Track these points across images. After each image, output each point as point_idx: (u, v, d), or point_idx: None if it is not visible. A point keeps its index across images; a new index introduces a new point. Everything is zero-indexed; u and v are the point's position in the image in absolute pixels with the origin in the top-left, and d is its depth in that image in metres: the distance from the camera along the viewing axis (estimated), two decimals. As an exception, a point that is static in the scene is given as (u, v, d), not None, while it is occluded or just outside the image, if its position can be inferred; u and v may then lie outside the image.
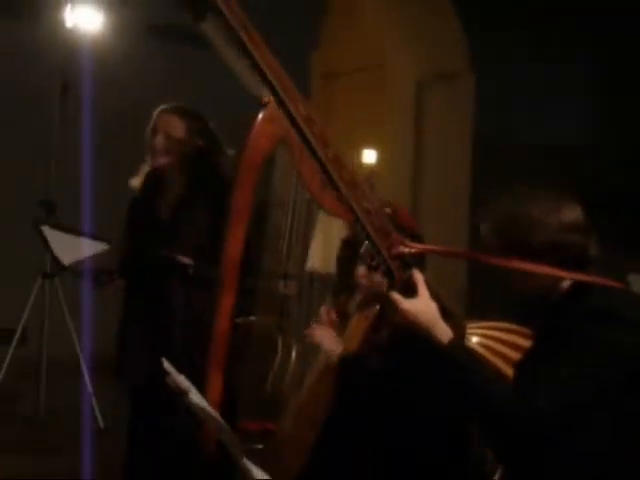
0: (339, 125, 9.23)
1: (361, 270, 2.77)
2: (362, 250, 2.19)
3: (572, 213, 2.08)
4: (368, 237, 2.13)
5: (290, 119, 2.04)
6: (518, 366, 2.21)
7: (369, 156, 9.78)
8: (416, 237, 2.74)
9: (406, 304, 2.09)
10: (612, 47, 8.17)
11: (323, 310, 2.87)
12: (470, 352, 2.15)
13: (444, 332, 2.07)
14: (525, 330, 2.30)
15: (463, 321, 2.60)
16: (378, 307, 2.76)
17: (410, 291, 2.12)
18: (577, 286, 2.07)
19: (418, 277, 2.12)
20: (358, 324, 2.78)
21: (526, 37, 7.98)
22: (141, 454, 3.43)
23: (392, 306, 2.12)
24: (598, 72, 8.37)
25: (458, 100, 8.37)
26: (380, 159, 9.65)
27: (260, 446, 2.56)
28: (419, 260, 2.69)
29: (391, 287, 2.14)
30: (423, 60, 8.58)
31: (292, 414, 2.73)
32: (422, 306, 2.09)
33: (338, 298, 2.95)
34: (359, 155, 9.76)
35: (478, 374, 2.03)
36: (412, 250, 2.17)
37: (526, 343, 2.25)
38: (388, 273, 2.15)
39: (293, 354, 2.98)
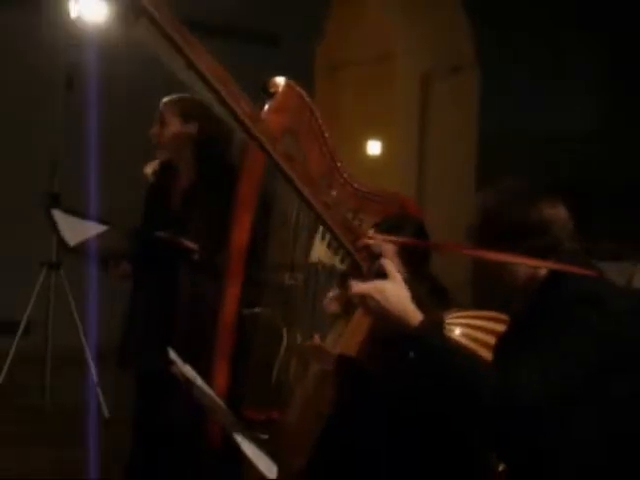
0: (345, 117, 9.22)
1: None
2: None
3: (549, 205, 2.08)
4: (330, 231, 2.10)
5: (235, 118, 2.01)
6: (496, 350, 2.20)
7: (374, 147, 9.78)
8: (422, 228, 2.75)
9: (373, 286, 1.99)
10: (616, 45, 8.17)
11: (328, 299, 2.87)
12: (443, 335, 2.10)
13: (415, 315, 1.99)
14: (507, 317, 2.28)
15: (440, 313, 2.57)
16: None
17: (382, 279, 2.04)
18: (554, 274, 2.06)
19: (387, 264, 2.05)
20: (360, 321, 2.77)
21: (531, 31, 7.99)
22: (147, 445, 3.43)
23: (358, 298, 2.02)
24: (602, 68, 8.37)
25: (463, 93, 8.36)
26: (385, 151, 9.64)
27: (265, 436, 2.56)
28: (423, 252, 2.70)
29: (360, 278, 2.06)
30: (429, 53, 8.57)
31: (297, 405, 2.73)
32: (391, 287, 2.00)
33: (344, 287, 2.95)
34: (364, 146, 9.76)
35: (455, 356, 1.97)
36: (377, 241, 2.15)
37: None
38: (355, 265, 2.12)
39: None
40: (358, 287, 2.01)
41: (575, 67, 8.31)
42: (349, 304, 2.82)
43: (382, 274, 2.03)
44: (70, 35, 5.74)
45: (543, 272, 2.09)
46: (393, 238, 2.32)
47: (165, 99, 3.41)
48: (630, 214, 7.06)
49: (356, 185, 2.61)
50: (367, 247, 2.13)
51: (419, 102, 8.73)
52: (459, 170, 8.39)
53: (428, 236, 2.72)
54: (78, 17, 5.71)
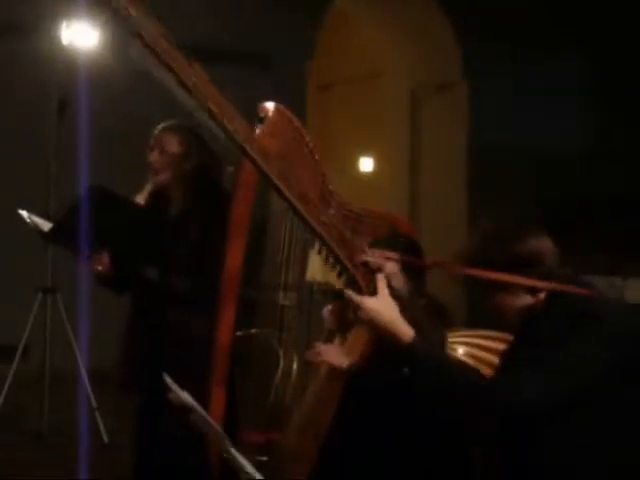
0: (336, 134, 9.27)
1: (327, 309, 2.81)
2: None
3: (536, 239, 2.20)
4: (327, 248, 2.16)
5: (228, 137, 2.04)
6: (500, 365, 2.27)
7: (366, 164, 9.82)
8: (415, 246, 2.77)
9: (368, 301, 2.16)
10: (609, 58, 8.24)
11: (326, 311, 2.89)
12: (431, 348, 2.21)
13: (406, 330, 2.13)
14: (510, 337, 2.33)
15: (443, 331, 2.60)
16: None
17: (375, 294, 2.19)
18: (553, 296, 2.15)
19: (379, 281, 2.19)
20: (358, 336, 2.79)
21: (519, 49, 8.07)
22: (148, 466, 3.43)
23: (353, 307, 2.18)
24: (594, 82, 8.44)
25: (453, 108, 8.43)
26: (378, 167, 9.68)
27: (264, 458, 2.57)
28: (419, 269, 2.72)
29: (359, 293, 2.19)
30: (418, 70, 8.64)
31: (295, 425, 2.74)
32: (382, 303, 2.16)
33: (342, 302, 2.97)
34: (357, 163, 9.81)
35: (450, 371, 2.11)
36: (374, 257, 2.22)
37: None
38: (352, 281, 2.19)
39: (295, 365, 2.99)
40: (354, 298, 2.18)
41: (564, 81, 8.37)
42: (344, 321, 2.85)
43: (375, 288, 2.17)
44: (61, 60, 5.77)
45: (542, 296, 2.16)
46: (391, 254, 2.38)
47: (163, 125, 3.39)
48: (628, 222, 7.11)
49: (347, 207, 2.63)
50: (365, 263, 2.20)
51: (409, 118, 8.79)
52: (452, 184, 8.44)
53: (422, 254, 2.75)
54: (69, 42, 5.75)
